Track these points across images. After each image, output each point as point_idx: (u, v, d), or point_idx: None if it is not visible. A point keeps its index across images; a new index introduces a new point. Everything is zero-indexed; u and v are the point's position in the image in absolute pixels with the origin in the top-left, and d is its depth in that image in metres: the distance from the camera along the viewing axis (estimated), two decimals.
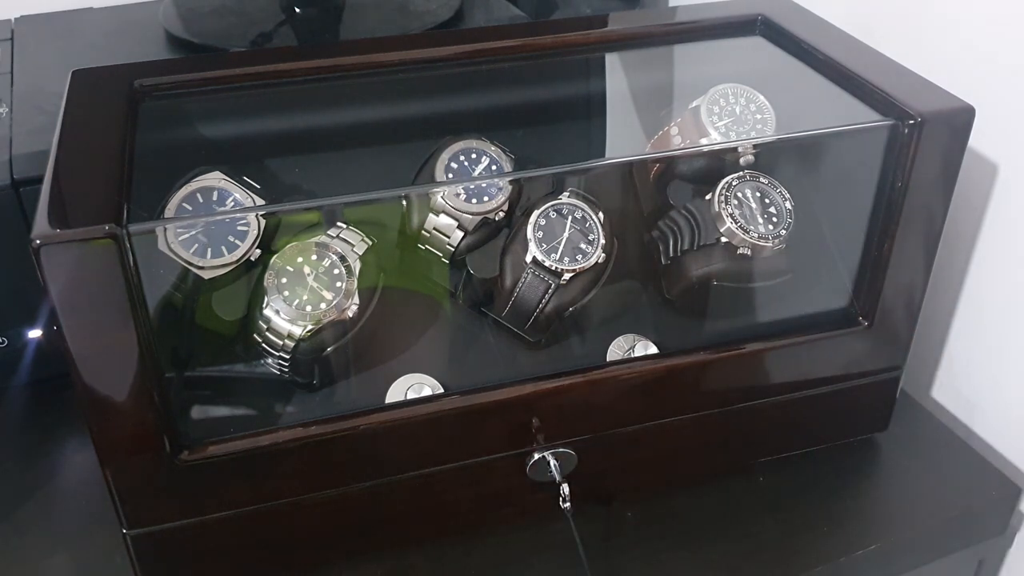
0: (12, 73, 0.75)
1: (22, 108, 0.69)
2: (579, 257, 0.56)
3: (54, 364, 0.67)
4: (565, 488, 0.55)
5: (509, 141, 0.59)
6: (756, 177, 0.59)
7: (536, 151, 0.61)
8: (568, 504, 0.55)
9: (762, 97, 0.61)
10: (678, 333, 0.61)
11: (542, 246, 0.56)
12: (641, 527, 0.59)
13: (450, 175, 0.57)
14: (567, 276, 0.56)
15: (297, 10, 0.79)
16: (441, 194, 0.57)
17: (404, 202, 0.59)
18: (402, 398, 0.54)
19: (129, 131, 0.51)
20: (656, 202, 0.63)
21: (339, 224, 0.56)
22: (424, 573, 0.56)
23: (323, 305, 0.53)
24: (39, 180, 0.47)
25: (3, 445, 0.65)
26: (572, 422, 0.56)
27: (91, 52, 0.79)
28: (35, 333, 0.67)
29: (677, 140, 0.62)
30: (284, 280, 0.53)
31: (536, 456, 0.56)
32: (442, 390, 0.55)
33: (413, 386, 0.55)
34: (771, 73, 0.63)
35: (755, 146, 0.60)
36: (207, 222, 0.53)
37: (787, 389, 0.60)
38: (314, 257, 0.53)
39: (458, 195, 0.57)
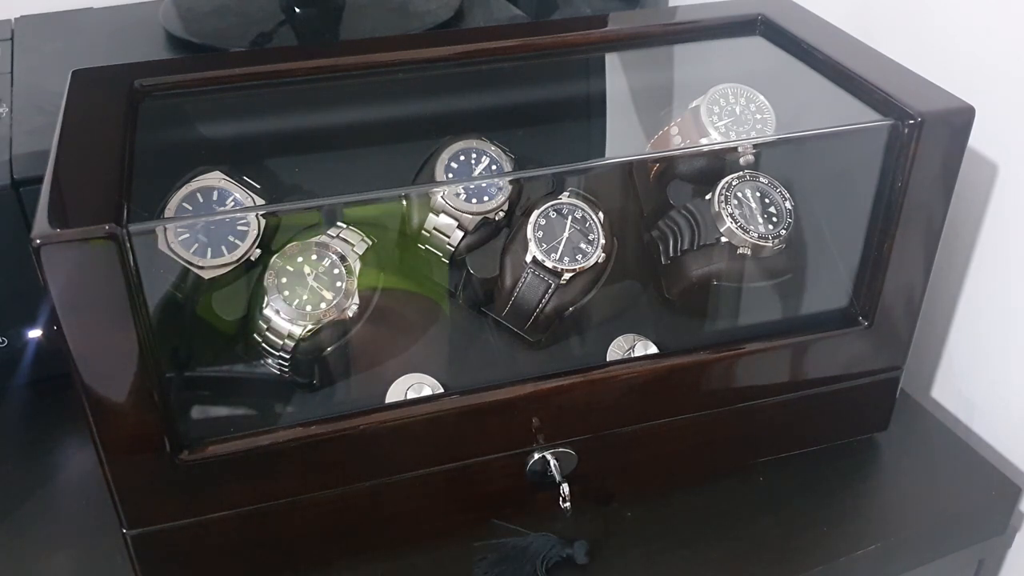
0: (12, 73, 0.75)
1: (22, 108, 0.69)
2: (579, 257, 0.56)
3: (54, 364, 0.67)
4: (565, 488, 0.55)
5: (509, 141, 0.59)
6: (756, 177, 0.59)
7: (536, 151, 0.61)
8: (568, 504, 0.55)
9: (762, 97, 0.61)
10: (678, 333, 0.61)
11: (542, 246, 0.56)
12: (641, 527, 0.59)
13: (450, 175, 0.57)
14: (567, 276, 0.56)
15: (297, 10, 0.79)
16: (441, 194, 0.57)
17: (404, 202, 0.59)
18: (402, 398, 0.54)
19: (129, 131, 0.51)
20: (656, 202, 0.63)
21: (339, 224, 0.56)
22: (424, 573, 0.56)
23: (323, 305, 0.53)
24: (39, 180, 0.47)
25: (3, 445, 0.65)
26: (572, 422, 0.56)
27: (91, 52, 0.79)
28: (35, 333, 0.67)
29: (677, 140, 0.62)
30: (284, 280, 0.53)
31: (536, 456, 0.56)
32: (442, 390, 0.55)
33: (413, 386, 0.55)
34: (771, 73, 0.63)
35: (755, 146, 0.60)
36: (207, 222, 0.53)
37: (787, 389, 0.60)
38: (314, 257, 0.53)
39: (458, 195, 0.57)
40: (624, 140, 0.69)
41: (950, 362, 0.70)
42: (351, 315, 0.54)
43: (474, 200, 0.57)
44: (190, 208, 0.52)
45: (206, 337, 0.56)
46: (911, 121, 0.52)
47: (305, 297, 0.53)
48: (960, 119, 0.53)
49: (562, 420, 0.55)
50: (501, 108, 0.67)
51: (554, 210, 0.57)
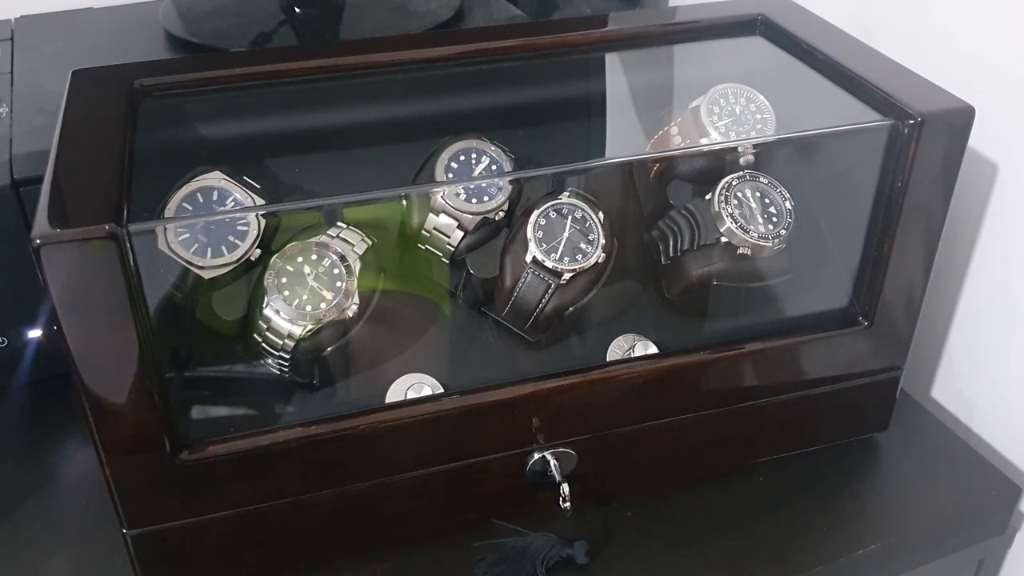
0: (12, 73, 0.75)
1: (22, 108, 0.69)
2: (579, 257, 0.56)
3: (54, 364, 0.67)
4: (565, 488, 0.55)
5: (509, 141, 0.59)
6: (756, 177, 0.59)
7: (536, 151, 0.61)
8: (568, 504, 0.55)
9: (762, 97, 0.61)
10: (678, 333, 0.61)
11: (542, 246, 0.56)
12: (641, 527, 0.59)
13: (450, 175, 0.57)
14: (567, 276, 0.56)
15: (297, 10, 0.79)
16: (441, 194, 0.57)
17: (404, 202, 0.59)
18: (402, 398, 0.54)
19: (129, 131, 0.51)
20: (656, 202, 0.63)
21: (339, 224, 0.56)
22: (424, 573, 0.56)
23: (323, 305, 0.53)
24: (39, 180, 0.47)
25: (3, 445, 0.65)
26: (572, 422, 0.56)
27: (91, 52, 0.79)
28: (35, 333, 0.67)
29: (677, 140, 0.62)
30: (284, 280, 0.53)
31: (536, 456, 0.56)
32: (442, 390, 0.55)
33: (413, 386, 0.55)
34: (771, 73, 0.63)
35: (755, 146, 0.60)
36: (207, 222, 0.53)
37: (787, 389, 0.60)
38: (314, 257, 0.53)
39: (458, 195, 0.57)
40: (624, 140, 0.69)
41: (950, 362, 0.70)
42: (351, 315, 0.54)
43: (474, 200, 0.57)
44: (190, 208, 0.52)
45: (206, 337, 0.56)
46: (911, 121, 0.52)
47: (305, 297, 0.53)
48: (960, 119, 0.53)
49: (562, 420, 0.55)
50: (501, 108, 0.67)
51: (554, 210, 0.57)
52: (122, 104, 0.53)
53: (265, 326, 0.53)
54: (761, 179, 0.59)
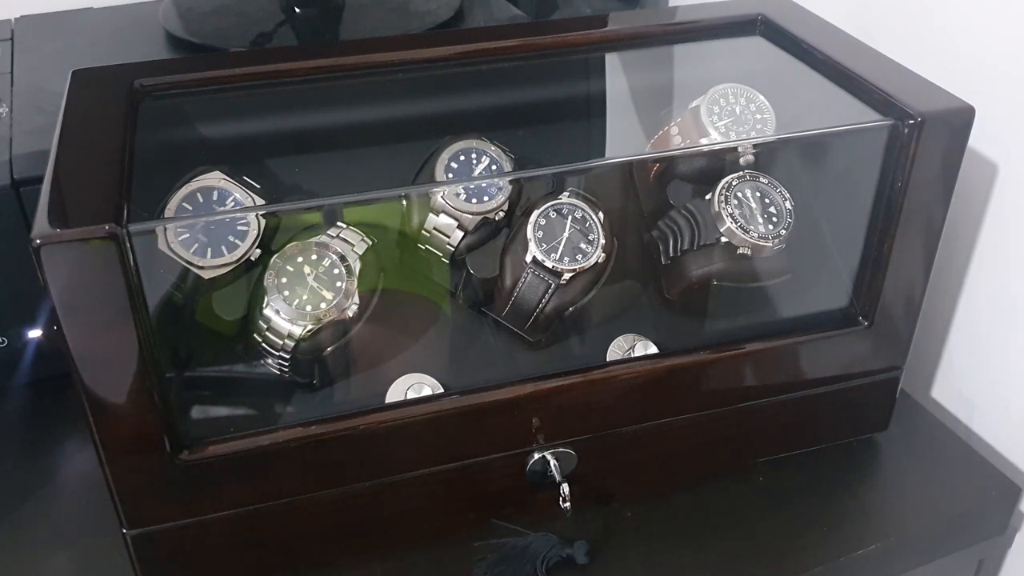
0: (12, 73, 0.75)
1: (22, 108, 0.69)
2: (579, 257, 0.56)
3: (54, 364, 0.67)
4: (565, 488, 0.55)
5: (509, 141, 0.59)
6: (756, 177, 0.59)
7: (536, 151, 0.61)
8: (568, 504, 0.55)
9: (762, 97, 0.61)
10: (678, 333, 0.61)
11: (542, 246, 0.56)
12: (641, 527, 0.59)
13: (450, 175, 0.57)
14: (567, 276, 0.56)
15: (297, 10, 0.79)
16: (441, 194, 0.57)
17: (404, 202, 0.59)
18: (402, 398, 0.54)
19: (129, 131, 0.51)
20: (656, 202, 0.63)
21: (339, 224, 0.56)
22: (424, 573, 0.56)
23: (323, 305, 0.53)
24: (39, 180, 0.47)
25: (3, 445, 0.65)
26: (572, 422, 0.56)
27: (91, 52, 0.79)
28: (35, 333, 0.67)
29: (677, 140, 0.62)
30: (284, 280, 0.53)
31: (536, 456, 0.56)
32: (442, 390, 0.55)
33: (413, 386, 0.55)
34: (771, 73, 0.63)
35: (755, 146, 0.60)
36: (207, 222, 0.53)
37: (787, 389, 0.60)
38: (314, 257, 0.53)
39: (458, 195, 0.57)
40: (624, 140, 0.69)
41: (950, 362, 0.70)
42: (351, 315, 0.54)
43: (474, 200, 0.57)
44: (190, 208, 0.52)
45: (206, 337, 0.56)
46: (911, 121, 0.52)
47: (305, 297, 0.53)
48: (960, 119, 0.53)
49: (562, 420, 0.55)
50: (501, 108, 0.67)
51: (554, 210, 0.57)
52: (122, 104, 0.53)
53: (265, 326, 0.53)
54: (761, 179, 0.59)
